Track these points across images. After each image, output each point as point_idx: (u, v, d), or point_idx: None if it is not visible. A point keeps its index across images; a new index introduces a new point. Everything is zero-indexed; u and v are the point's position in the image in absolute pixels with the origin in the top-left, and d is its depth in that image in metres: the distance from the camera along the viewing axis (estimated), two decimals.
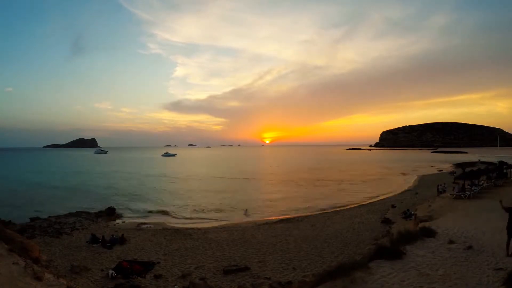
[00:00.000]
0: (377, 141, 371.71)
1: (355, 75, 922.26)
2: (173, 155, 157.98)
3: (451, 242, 9.72)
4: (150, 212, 27.90)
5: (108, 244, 16.76)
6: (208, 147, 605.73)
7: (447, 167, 68.33)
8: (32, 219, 23.00)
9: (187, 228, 21.23)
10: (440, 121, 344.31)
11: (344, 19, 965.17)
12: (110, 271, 12.53)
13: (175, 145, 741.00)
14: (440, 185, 28.26)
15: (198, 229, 21.03)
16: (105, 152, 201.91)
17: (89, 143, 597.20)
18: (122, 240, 17.43)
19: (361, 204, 29.79)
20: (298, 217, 24.57)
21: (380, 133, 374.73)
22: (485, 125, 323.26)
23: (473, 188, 22.81)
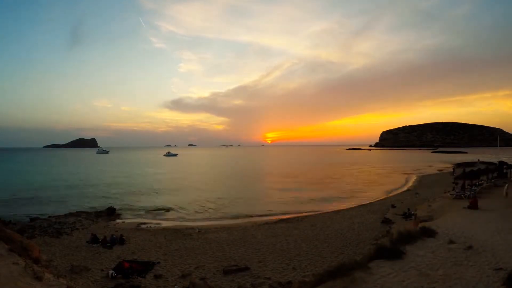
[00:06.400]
0: (378, 141, 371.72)
1: (369, 71, 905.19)
2: (175, 155, 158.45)
3: (451, 242, 9.70)
4: (150, 212, 27.88)
5: (108, 244, 16.76)
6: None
7: (447, 167, 68.32)
8: (32, 219, 23.00)
9: (187, 228, 21.22)
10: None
11: (372, 5, 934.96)
12: (110, 271, 12.54)
13: (175, 145, 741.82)
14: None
15: (198, 229, 21.02)
16: (107, 152, 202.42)
17: (89, 143, 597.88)
18: (122, 240, 17.43)
19: (361, 204, 29.78)
20: (298, 217, 24.56)
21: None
22: (487, 125, 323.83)
23: (473, 188, 22.80)
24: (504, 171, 31.08)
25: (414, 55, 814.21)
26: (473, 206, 16.48)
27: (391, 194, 35.14)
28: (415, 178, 51.05)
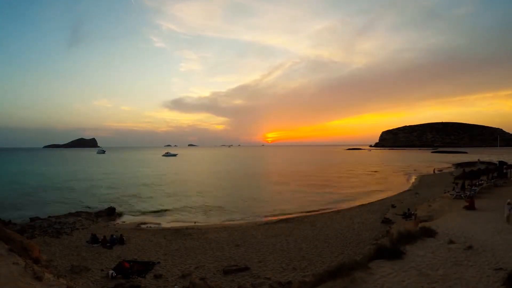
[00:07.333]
0: (378, 141, 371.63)
1: (370, 71, 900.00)
2: (174, 155, 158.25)
3: (451, 242, 9.71)
4: (150, 212, 27.89)
5: (108, 244, 16.76)
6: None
7: (447, 167, 68.35)
8: (32, 219, 22.98)
9: (187, 228, 21.23)
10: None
11: (374, 3, 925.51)
12: (110, 271, 12.54)
13: (175, 145, 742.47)
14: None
15: (198, 229, 21.03)
16: (103, 152, 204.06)
17: (89, 143, 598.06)
18: (122, 240, 17.43)
19: (361, 204, 29.78)
20: (298, 217, 24.57)
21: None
22: (488, 125, 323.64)
23: (473, 188, 22.80)
24: (504, 171, 31.07)
25: (416, 54, 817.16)
26: (470, 207, 16.46)
27: (391, 194, 35.11)
28: (415, 178, 51.04)
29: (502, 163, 32.78)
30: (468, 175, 26.26)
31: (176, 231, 20.28)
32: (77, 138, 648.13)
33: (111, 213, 26.23)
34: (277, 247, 16.24)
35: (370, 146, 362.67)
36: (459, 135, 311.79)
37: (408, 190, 36.84)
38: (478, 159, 71.99)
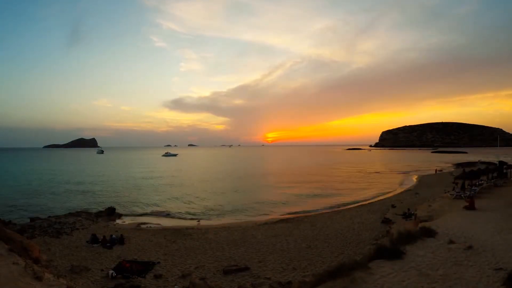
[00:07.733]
0: (378, 141, 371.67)
1: (372, 70, 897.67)
2: (174, 155, 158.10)
3: (451, 242, 9.70)
4: (150, 212, 27.88)
5: (108, 244, 16.76)
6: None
7: (447, 167, 68.35)
8: (32, 219, 22.98)
9: (187, 228, 21.23)
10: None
11: (376, 2, 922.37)
12: (110, 271, 12.54)
13: (175, 145, 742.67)
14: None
15: (198, 229, 21.03)
16: (102, 152, 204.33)
17: (89, 143, 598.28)
18: (122, 240, 17.43)
19: (361, 204, 29.79)
20: (298, 217, 24.58)
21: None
22: (488, 125, 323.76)
23: (473, 188, 22.79)
24: (504, 171, 31.07)
25: (417, 54, 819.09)
26: (470, 207, 16.47)
27: (391, 194, 35.13)
28: (415, 178, 51.06)
29: (502, 163, 32.80)
30: (468, 175, 26.28)
31: (176, 231, 20.28)
32: (77, 138, 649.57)
33: (111, 213, 26.22)
34: (277, 247, 16.24)
35: (370, 146, 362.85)
36: (459, 135, 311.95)
37: (408, 190, 36.83)
38: (479, 160, 72.03)
